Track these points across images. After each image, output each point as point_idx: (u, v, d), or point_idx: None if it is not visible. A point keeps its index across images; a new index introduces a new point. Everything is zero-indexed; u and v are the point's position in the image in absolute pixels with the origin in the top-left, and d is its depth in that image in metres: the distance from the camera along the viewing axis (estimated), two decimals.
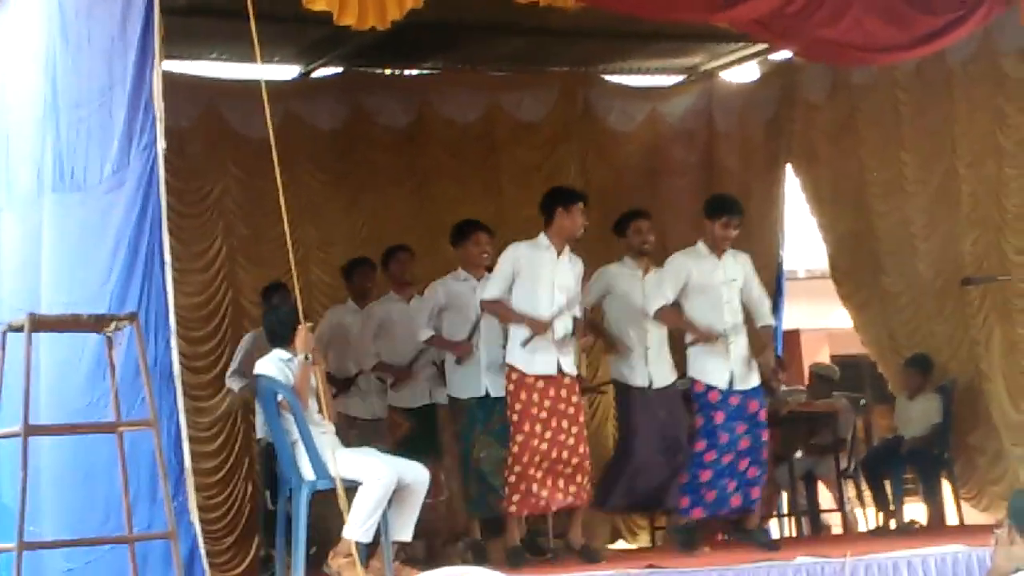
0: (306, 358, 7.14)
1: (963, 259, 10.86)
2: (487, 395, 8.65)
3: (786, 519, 11.67)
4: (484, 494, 8.50)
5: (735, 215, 8.75)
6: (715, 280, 8.62)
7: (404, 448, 8.55)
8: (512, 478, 8.08)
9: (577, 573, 7.34)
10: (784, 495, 11.51)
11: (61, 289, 7.34)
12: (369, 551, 7.23)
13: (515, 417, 8.11)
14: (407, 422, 9.35)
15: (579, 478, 8.17)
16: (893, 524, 10.76)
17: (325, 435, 7.19)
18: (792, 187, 12.59)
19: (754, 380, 8.57)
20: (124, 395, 6.56)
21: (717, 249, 8.69)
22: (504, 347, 8.39)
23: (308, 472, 7.13)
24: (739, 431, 8.45)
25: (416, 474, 7.25)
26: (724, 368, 8.51)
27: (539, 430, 8.06)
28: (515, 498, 8.07)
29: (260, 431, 9.57)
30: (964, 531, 9.88)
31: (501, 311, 8.32)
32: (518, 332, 8.22)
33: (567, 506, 8.22)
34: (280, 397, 7.20)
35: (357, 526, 6.97)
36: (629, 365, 9.01)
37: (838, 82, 11.84)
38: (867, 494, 11.21)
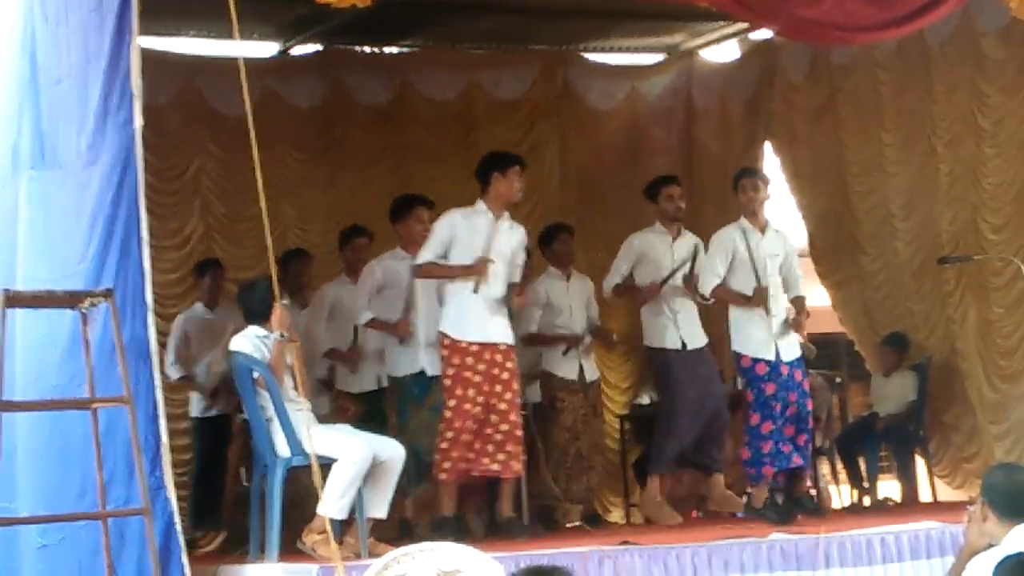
0: (281, 335, 7.13)
1: (941, 238, 10.91)
2: (423, 372, 8.61)
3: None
4: (419, 470, 8.36)
5: (754, 179, 9.11)
6: (760, 254, 8.86)
7: None
8: (444, 444, 7.99)
9: (551, 549, 7.34)
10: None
11: (39, 266, 7.30)
12: (343, 528, 7.24)
13: (448, 383, 8.04)
14: (354, 406, 9.26)
15: (510, 447, 8.07)
16: (867, 501, 10.82)
17: (300, 412, 7.20)
18: (771, 166, 12.59)
19: (796, 350, 8.86)
20: (101, 372, 6.54)
21: (759, 223, 8.90)
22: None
23: (283, 449, 7.14)
24: (790, 399, 8.75)
25: (392, 451, 7.27)
26: (769, 340, 8.79)
27: (472, 395, 7.97)
28: (446, 465, 7.99)
29: (195, 409, 9.61)
30: (938, 508, 9.93)
31: (435, 271, 8.20)
32: (453, 300, 8.13)
33: (495, 474, 8.11)
34: (256, 374, 7.20)
35: (332, 503, 6.98)
36: (660, 328, 9.14)
37: (818, 62, 11.86)
38: (842, 471, 11.26)
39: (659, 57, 12.91)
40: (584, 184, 12.56)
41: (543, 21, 11.60)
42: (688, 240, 9.36)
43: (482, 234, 8.15)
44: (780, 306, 8.86)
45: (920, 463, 11.13)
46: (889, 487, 11.35)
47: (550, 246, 10.01)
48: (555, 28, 11.89)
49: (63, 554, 6.74)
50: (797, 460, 8.86)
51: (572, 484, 9.69)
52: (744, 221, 8.98)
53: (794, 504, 9.05)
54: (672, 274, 9.15)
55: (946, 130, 10.89)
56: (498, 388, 8.05)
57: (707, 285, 8.91)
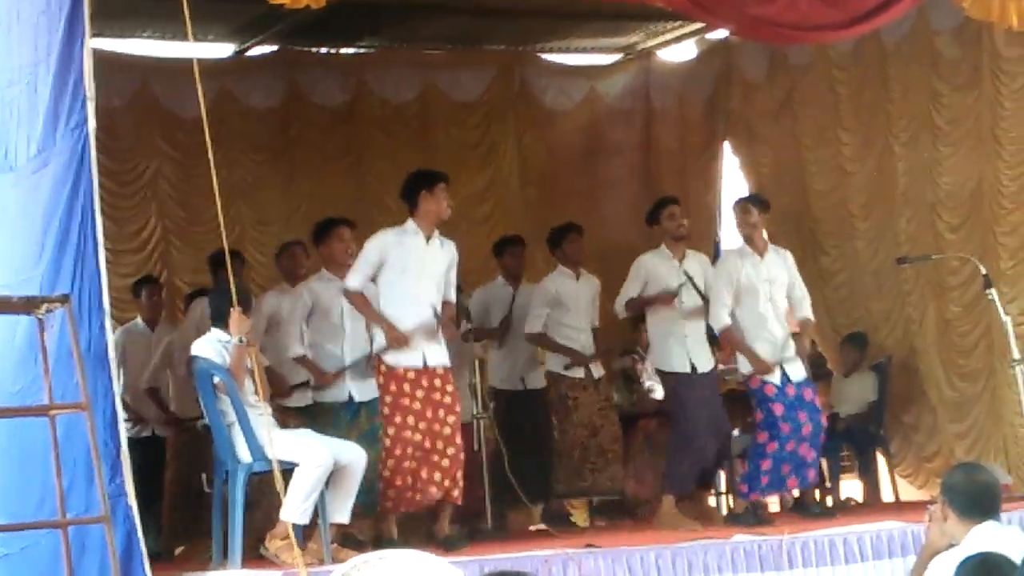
0: (240, 340, 7.07)
1: (899, 237, 10.94)
2: (351, 399, 8.40)
3: (723, 496, 11.71)
4: None
5: (744, 204, 9.17)
6: (759, 278, 8.94)
7: None
8: (386, 472, 7.75)
9: (515, 553, 7.33)
10: (722, 473, 11.54)
11: None
12: (306, 533, 7.20)
13: (386, 410, 7.82)
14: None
15: (454, 471, 7.82)
16: (830, 501, 10.84)
17: (261, 417, 7.14)
18: (730, 165, 12.62)
19: (802, 370, 8.95)
20: (58, 378, 6.46)
21: (757, 247, 8.97)
22: (370, 348, 8.17)
23: (245, 454, 7.09)
24: (801, 419, 8.82)
25: (353, 455, 7.23)
26: (775, 361, 8.87)
27: (412, 421, 7.74)
28: (390, 494, 7.76)
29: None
30: (900, 508, 9.96)
31: (363, 307, 8.00)
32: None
33: (439, 500, 7.86)
34: (216, 379, 7.15)
35: (294, 508, 6.94)
36: (669, 351, 9.15)
37: (776, 61, 11.88)
38: None
39: (616, 57, 12.91)
40: (543, 184, 12.55)
41: (500, 22, 11.58)
42: (696, 260, 9.36)
43: (415, 255, 7.95)
44: (783, 329, 8.99)
45: (882, 463, 11.15)
46: (851, 487, 11.38)
47: (559, 246, 10.00)
48: (512, 28, 11.88)
49: (25, 563, 6.67)
50: (792, 483, 9.08)
51: (598, 477, 9.75)
52: (744, 246, 9.05)
53: (802, 510, 9.28)
54: (679, 290, 9.14)
55: (903, 129, 10.93)
56: (440, 413, 7.84)
57: (718, 319, 8.97)
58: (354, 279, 7.97)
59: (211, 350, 7.19)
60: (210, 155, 6.53)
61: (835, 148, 11.44)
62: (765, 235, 9.17)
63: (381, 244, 7.98)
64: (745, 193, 12.03)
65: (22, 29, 7.20)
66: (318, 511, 7.08)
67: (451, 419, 7.85)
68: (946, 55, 10.60)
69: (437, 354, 7.93)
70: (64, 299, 6.39)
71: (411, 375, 7.82)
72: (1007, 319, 8.45)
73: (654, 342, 9.46)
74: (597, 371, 9.88)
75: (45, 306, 6.42)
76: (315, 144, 11.71)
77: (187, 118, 10.39)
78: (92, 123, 6.56)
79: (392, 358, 7.85)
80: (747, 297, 8.96)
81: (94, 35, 6.69)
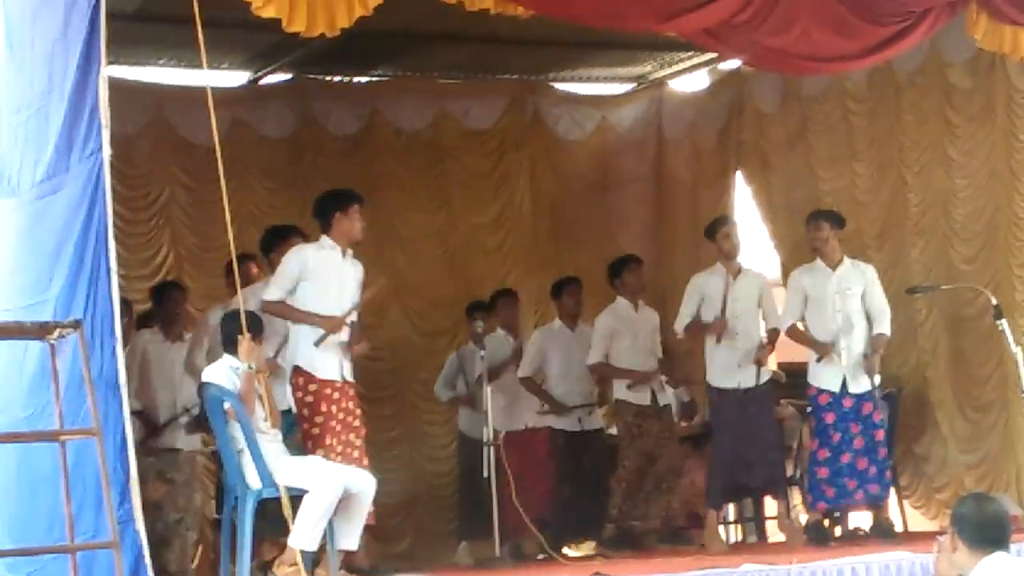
0: (249, 367, 7.08)
1: (912, 267, 10.92)
2: (289, 410, 7.99)
3: (732, 526, 11.69)
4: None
5: (817, 220, 9.47)
6: (828, 291, 9.25)
7: None
8: None
9: None
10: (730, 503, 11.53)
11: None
12: (315, 559, 7.19)
13: (316, 430, 7.62)
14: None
15: None
16: (838, 531, 10.78)
17: (271, 443, 7.15)
18: (743, 196, 12.61)
19: (866, 383, 9.17)
20: (69, 404, 6.48)
21: (829, 260, 9.33)
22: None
23: (254, 480, 7.09)
24: (853, 431, 9.08)
25: (362, 482, 7.23)
26: (837, 372, 9.16)
27: (336, 443, 7.63)
28: None
29: None
30: (909, 538, 9.92)
31: (287, 312, 7.82)
32: (305, 333, 7.78)
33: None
34: (227, 405, 7.16)
35: (303, 534, 6.94)
36: (723, 369, 9.43)
37: (788, 92, 11.88)
38: None
39: (628, 87, 12.94)
40: (555, 214, 12.59)
41: (513, 51, 11.62)
42: (751, 278, 9.65)
43: (333, 269, 7.87)
44: (852, 340, 9.21)
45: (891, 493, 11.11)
46: (860, 517, 11.32)
47: (620, 276, 10.18)
48: (525, 58, 11.92)
49: None
50: (859, 497, 9.25)
51: (650, 506, 9.89)
52: (818, 261, 9.44)
53: (875, 529, 9.45)
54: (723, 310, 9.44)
55: (916, 160, 10.92)
56: (352, 435, 7.77)
57: (784, 323, 9.36)
58: (274, 292, 7.81)
59: (223, 376, 7.20)
60: (222, 183, 6.57)
61: (849, 179, 11.43)
62: (837, 248, 9.45)
63: (301, 258, 7.86)
64: (759, 222, 12.11)
65: (36, 57, 7.24)
66: (326, 538, 7.08)
67: (359, 441, 7.78)
68: (959, 86, 10.61)
69: (349, 369, 7.88)
70: (76, 324, 6.41)
71: (328, 391, 7.72)
72: (1017, 350, 8.44)
73: (708, 356, 9.66)
74: (664, 398, 10.01)
75: (58, 332, 6.43)
76: (328, 172, 11.70)
77: (200, 145, 10.42)
78: (108, 149, 6.59)
79: (312, 368, 7.73)
80: (813, 307, 9.31)
81: (109, 63, 6.73)
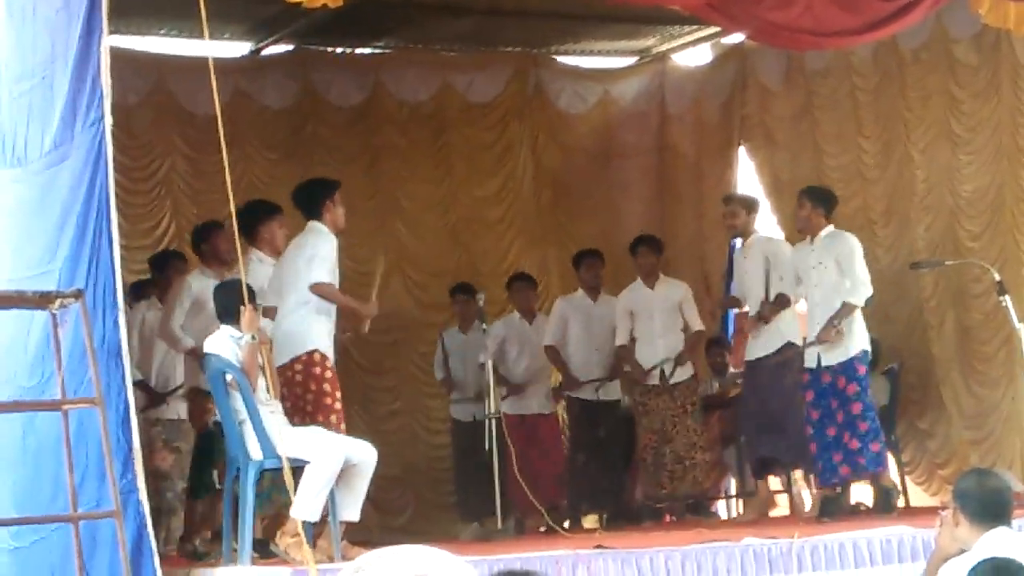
0: (252, 337, 7.06)
1: (918, 244, 10.91)
2: None
3: (734, 500, 11.71)
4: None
5: (801, 197, 9.49)
6: (807, 264, 9.28)
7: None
8: None
9: (524, 553, 7.33)
10: (732, 478, 11.56)
11: (3, 266, 7.24)
12: (316, 530, 7.20)
13: (309, 408, 7.63)
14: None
15: None
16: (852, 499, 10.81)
17: (273, 414, 7.14)
18: (745, 169, 12.58)
19: (841, 354, 9.09)
20: (72, 373, 6.48)
21: (811, 236, 9.36)
22: None
23: (256, 451, 7.08)
24: (833, 406, 9.05)
25: (363, 453, 7.22)
26: (811, 350, 9.14)
27: (334, 419, 7.66)
28: None
29: None
30: (910, 513, 9.94)
31: (334, 295, 7.81)
32: (323, 320, 7.76)
33: None
34: (229, 376, 7.14)
35: (304, 505, 6.93)
36: (750, 341, 9.73)
37: (793, 67, 11.85)
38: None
39: (631, 60, 12.92)
40: (557, 186, 12.58)
41: (516, 23, 11.60)
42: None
43: (336, 256, 7.87)
44: (824, 315, 9.17)
45: (892, 467, 11.11)
46: (861, 491, 11.34)
47: (577, 270, 10.58)
48: (528, 31, 11.90)
49: (35, 557, 6.69)
50: (845, 471, 9.16)
51: (678, 484, 9.96)
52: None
53: (874, 505, 9.44)
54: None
55: (921, 136, 10.90)
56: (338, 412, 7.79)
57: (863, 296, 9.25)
58: (324, 275, 7.75)
59: (224, 347, 7.17)
60: (224, 153, 6.55)
61: (855, 154, 11.40)
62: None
63: (333, 245, 7.85)
64: (762, 196, 12.08)
65: (37, 26, 7.20)
66: (328, 508, 7.09)
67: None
68: (964, 62, 10.58)
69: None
70: (78, 294, 6.39)
71: (330, 373, 7.74)
72: (1020, 326, 8.44)
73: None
74: (678, 375, 10.01)
75: (59, 301, 6.42)
76: (330, 143, 11.73)
77: (202, 116, 10.42)
78: (109, 119, 6.56)
79: (327, 352, 7.74)
80: (799, 283, 9.43)
81: (111, 32, 6.70)
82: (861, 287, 9.18)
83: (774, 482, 11.39)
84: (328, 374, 7.72)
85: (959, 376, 10.73)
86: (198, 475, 8.61)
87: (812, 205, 9.37)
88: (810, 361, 9.14)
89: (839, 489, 9.31)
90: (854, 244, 9.26)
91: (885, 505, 9.23)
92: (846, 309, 9.11)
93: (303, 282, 7.70)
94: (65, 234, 6.75)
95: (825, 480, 9.28)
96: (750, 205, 9.98)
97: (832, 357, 9.07)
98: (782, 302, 9.60)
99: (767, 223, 12.27)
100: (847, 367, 9.08)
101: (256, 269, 7.93)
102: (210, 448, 8.17)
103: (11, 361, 6.90)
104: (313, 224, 7.92)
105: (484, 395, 9.85)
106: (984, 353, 10.55)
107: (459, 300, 10.80)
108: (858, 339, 9.14)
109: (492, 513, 9.12)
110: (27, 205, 7.13)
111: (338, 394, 7.73)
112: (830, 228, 9.35)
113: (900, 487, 11.06)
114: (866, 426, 9.08)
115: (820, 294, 9.21)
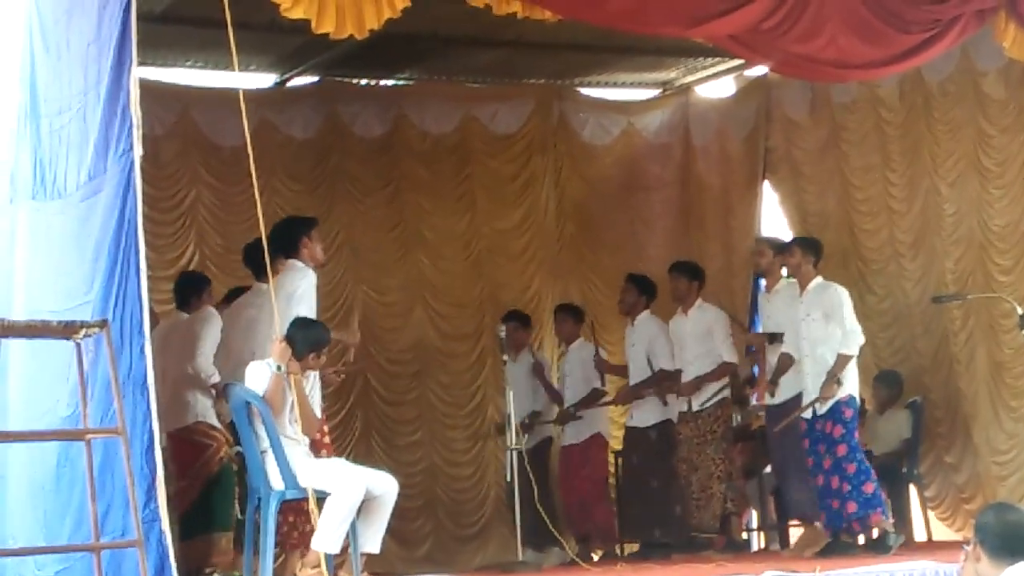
0: (278, 368, 7.09)
1: (946, 278, 10.86)
2: None
3: (755, 533, 11.67)
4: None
5: (791, 245, 9.62)
6: (796, 316, 9.31)
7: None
8: None
9: None
10: (754, 511, 11.52)
11: (44, 298, 7.25)
12: (336, 561, 7.21)
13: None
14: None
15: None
16: (862, 539, 10.76)
17: (296, 446, 7.16)
18: (770, 201, 12.56)
19: (830, 403, 9.10)
20: (99, 402, 6.50)
21: (800, 286, 9.38)
22: None
23: (277, 481, 7.10)
24: (820, 451, 9.10)
25: (385, 484, 7.23)
26: (807, 399, 9.17)
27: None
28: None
29: None
30: (932, 547, 9.90)
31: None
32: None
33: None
34: (251, 405, 7.17)
35: (326, 537, 6.95)
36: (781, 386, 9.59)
37: (818, 99, 11.84)
38: None
39: (654, 92, 12.94)
40: (580, 218, 12.59)
41: (539, 55, 11.62)
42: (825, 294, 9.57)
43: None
44: (815, 365, 9.20)
45: (914, 501, 11.07)
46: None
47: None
48: (551, 62, 11.93)
49: None
50: (846, 514, 9.09)
51: (703, 515, 9.93)
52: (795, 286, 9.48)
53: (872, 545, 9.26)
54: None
55: (949, 170, 10.84)
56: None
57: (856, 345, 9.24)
58: (303, 311, 7.84)
59: (262, 375, 7.18)
60: (255, 184, 6.60)
61: (882, 187, 11.35)
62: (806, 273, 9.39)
63: (314, 280, 8.03)
64: (786, 229, 12.08)
65: (72, 59, 7.26)
66: (349, 540, 7.09)
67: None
68: (992, 96, 10.54)
69: None
70: (103, 324, 6.41)
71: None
72: None
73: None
74: (696, 403, 9.99)
75: (84, 331, 6.44)
76: (354, 175, 11.78)
77: (227, 147, 10.50)
78: (139, 149, 6.60)
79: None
80: (791, 334, 9.42)
81: (139, 64, 6.76)
82: (853, 337, 9.19)
83: None
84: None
85: (990, 410, 10.67)
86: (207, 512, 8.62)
87: (803, 253, 9.39)
88: (807, 412, 9.16)
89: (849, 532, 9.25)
90: (843, 295, 9.25)
91: (879, 546, 9.08)
92: (842, 360, 9.12)
93: (285, 320, 7.74)
94: (99, 265, 6.79)
95: (833, 525, 9.21)
96: (778, 248, 9.84)
97: (823, 405, 9.11)
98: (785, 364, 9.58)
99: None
100: (833, 410, 9.10)
101: (298, 275, 8.00)
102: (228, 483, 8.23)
103: (55, 390, 6.92)
104: (292, 262, 8.05)
105: (533, 424, 10.44)
106: (1017, 388, 10.49)
107: (510, 328, 10.60)
108: (847, 384, 9.14)
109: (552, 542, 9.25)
110: (67, 237, 7.17)
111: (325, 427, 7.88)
112: (819, 280, 9.34)
113: (923, 520, 11.03)
114: (853, 467, 9.05)
115: (808, 346, 9.22)
